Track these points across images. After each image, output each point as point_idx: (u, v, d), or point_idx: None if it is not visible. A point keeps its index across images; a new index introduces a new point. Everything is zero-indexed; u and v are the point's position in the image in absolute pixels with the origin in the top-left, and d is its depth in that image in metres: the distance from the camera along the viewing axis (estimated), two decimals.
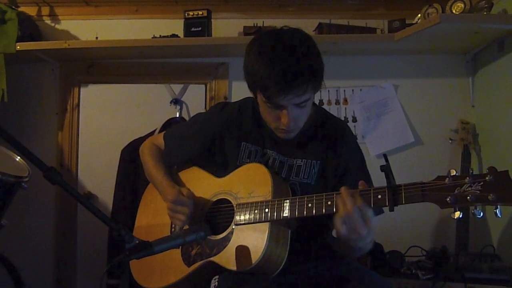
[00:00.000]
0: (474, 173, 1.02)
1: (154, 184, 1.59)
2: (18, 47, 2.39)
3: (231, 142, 1.48)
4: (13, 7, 2.46)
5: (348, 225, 1.11)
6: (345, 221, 1.11)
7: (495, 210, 0.98)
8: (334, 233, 1.19)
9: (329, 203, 1.20)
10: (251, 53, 1.29)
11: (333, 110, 2.59)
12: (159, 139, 1.64)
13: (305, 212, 1.23)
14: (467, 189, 1.00)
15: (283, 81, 1.20)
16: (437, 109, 2.57)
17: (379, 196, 1.12)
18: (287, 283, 1.35)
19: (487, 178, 0.98)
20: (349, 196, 1.13)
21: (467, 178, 1.01)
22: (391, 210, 1.11)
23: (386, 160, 1.10)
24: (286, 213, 1.26)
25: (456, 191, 1.02)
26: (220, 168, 1.50)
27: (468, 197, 1.00)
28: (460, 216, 1.03)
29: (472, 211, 1.02)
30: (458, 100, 2.56)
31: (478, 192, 0.99)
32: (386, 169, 1.09)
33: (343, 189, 1.15)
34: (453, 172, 1.04)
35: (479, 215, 1.02)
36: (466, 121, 2.41)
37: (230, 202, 1.40)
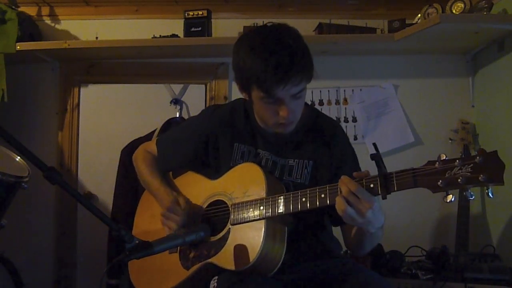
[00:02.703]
0: (464, 156, 1.03)
1: (151, 191, 1.59)
2: (18, 47, 2.39)
3: (224, 143, 1.48)
4: (13, 7, 2.45)
5: (350, 205, 1.12)
6: (347, 200, 1.12)
7: (486, 191, 1.00)
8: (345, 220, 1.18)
9: (322, 196, 1.21)
10: (241, 51, 1.29)
11: (333, 110, 2.59)
12: (152, 146, 1.65)
13: (299, 207, 1.24)
14: (458, 172, 1.02)
15: (280, 72, 1.21)
16: (437, 109, 2.57)
17: (372, 185, 1.13)
18: (285, 282, 1.35)
19: (476, 159, 1.00)
20: (350, 179, 1.15)
21: (457, 161, 1.03)
22: (384, 198, 1.12)
23: (376, 149, 1.12)
24: (281, 209, 1.27)
25: (447, 175, 1.03)
26: (214, 170, 1.51)
27: (459, 180, 1.01)
28: (452, 199, 1.04)
29: (464, 193, 1.03)
30: (458, 100, 2.57)
31: (469, 174, 1.00)
32: (376, 158, 1.10)
33: (343, 176, 1.17)
34: (443, 157, 1.06)
35: (471, 197, 1.04)
36: (466, 121, 2.41)
37: (225, 203, 1.41)
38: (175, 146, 1.59)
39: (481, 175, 0.98)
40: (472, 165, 1.00)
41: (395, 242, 2.27)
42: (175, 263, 1.43)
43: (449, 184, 1.02)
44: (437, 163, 1.05)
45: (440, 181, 1.03)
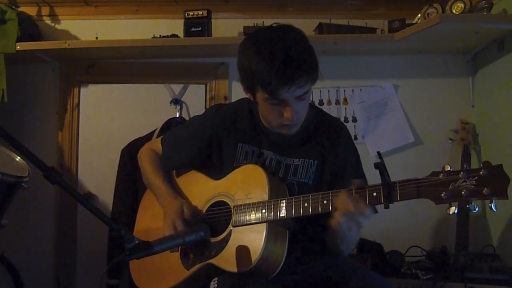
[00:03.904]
0: (468, 168, 1.03)
1: (153, 191, 1.59)
2: (18, 47, 2.38)
3: (227, 143, 1.48)
4: (13, 7, 2.45)
5: (348, 219, 1.15)
6: (345, 214, 1.14)
7: (490, 204, 0.99)
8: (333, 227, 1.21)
9: (325, 202, 1.21)
10: (246, 52, 1.30)
11: (333, 110, 2.59)
12: (157, 144, 1.64)
13: (301, 212, 1.24)
14: (462, 184, 1.01)
15: (285, 74, 1.22)
16: (437, 109, 2.57)
17: (374, 194, 1.13)
18: (286, 284, 1.35)
19: (481, 172, 0.99)
20: (348, 195, 1.15)
21: (461, 173, 1.02)
22: (386, 207, 1.12)
23: (380, 157, 1.12)
24: (283, 213, 1.26)
25: (450, 187, 1.02)
26: (218, 170, 1.51)
27: (463, 192, 1.00)
28: (456, 211, 1.04)
29: (468, 206, 1.03)
30: (458, 100, 2.56)
31: (473, 186, 0.99)
32: (380, 167, 1.10)
33: (342, 191, 1.18)
34: (448, 168, 1.05)
35: (474, 210, 1.03)
36: (466, 121, 2.41)
37: (227, 204, 1.41)
38: (179, 145, 1.59)
39: (485, 189, 0.97)
40: (476, 177, 0.99)
41: (395, 242, 2.27)
42: (176, 263, 1.43)
43: (452, 196, 1.02)
44: (441, 174, 1.04)
45: (444, 193, 1.02)
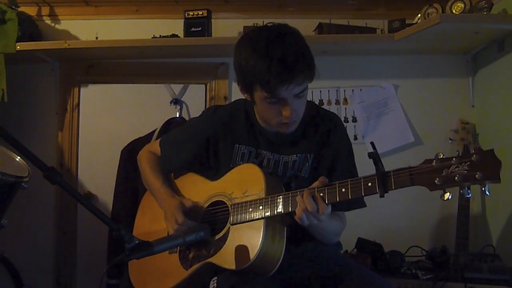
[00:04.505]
0: (460, 154, 1.04)
1: (152, 192, 1.60)
2: (18, 47, 2.39)
3: (224, 144, 1.50)
4: (13, 7, 2.45)
5: (307, 216, 1.21)
6: (304, 210, 1.20)
7: (483, 189, 1.00)
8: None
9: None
10: (243, 51, 1.30)
11: (333, 110, 2.56)
12: (155, 146, 1.66)
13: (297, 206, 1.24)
14: (455, 170, 1.02)
15: (284, 72, 1.23)
16: (437, 109, 2.57)
17: (369, 184, 1.14)
18: (284, 282, 1.35)
19: (473, 157, 1.00)
20: (310, 193, 1.21)
21: (453, 159, 1.03)
22: (382, 196, 1.12)
23: (374, 147, 1.12)
24: (280, 208, 1.27)
25: (444, 173, 1.03)
26: (214, 171, 1.52)
27: (456, 177, 1.01)
28: (450, 197, 1.05)
29: (461, 191, 1.04)
30: (458, 100, 2.56)
31: (466, 171, 1.00)
32: (374, 156, 1.11)
33: (305, 190, 1.23)
34: (440, 155, 1.07)
35: (468, 195, 1.04)
36: (466, 121, 2.41)
37: (225, 204, 1.41)
38: (177, 147, 1.60)
39: (478, 173, 0.98)
40: (469, 163, 1.00)
41: (395, 242, 2.27)
42: (175, 263, 1.44)
43: (446, 182, 1.03)
44: (434, 161, 1.06)
45: (437, 179, 1.04)
